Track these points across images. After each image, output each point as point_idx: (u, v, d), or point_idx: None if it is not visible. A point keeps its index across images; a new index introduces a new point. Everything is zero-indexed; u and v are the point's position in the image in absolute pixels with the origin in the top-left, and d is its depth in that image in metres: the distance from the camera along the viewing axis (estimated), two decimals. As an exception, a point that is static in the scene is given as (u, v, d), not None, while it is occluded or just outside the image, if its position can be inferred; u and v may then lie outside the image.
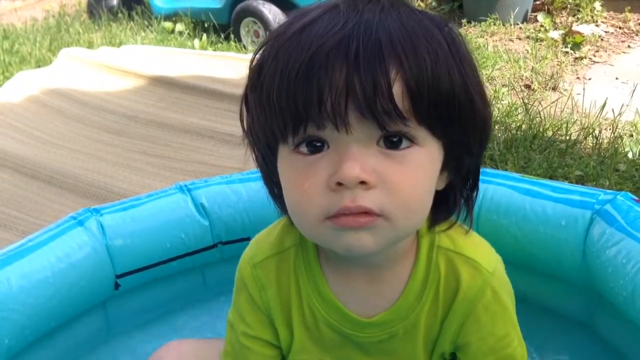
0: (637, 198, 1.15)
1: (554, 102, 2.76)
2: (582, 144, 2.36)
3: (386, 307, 0.87)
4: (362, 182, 0.71)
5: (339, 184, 0.71)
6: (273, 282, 0.90)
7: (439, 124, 0.73)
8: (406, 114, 0.70)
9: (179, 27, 4.47)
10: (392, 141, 0.72)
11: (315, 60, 0.69)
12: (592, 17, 4.05)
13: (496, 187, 1.24)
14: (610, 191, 1.17)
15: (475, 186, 0.86)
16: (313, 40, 0.70)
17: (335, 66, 0.69)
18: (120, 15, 4.80)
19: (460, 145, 0.78)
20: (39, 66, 3.78)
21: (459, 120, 0.75)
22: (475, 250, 0.86)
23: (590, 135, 2.40)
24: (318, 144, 0.73)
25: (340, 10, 0.73)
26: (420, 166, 0.74)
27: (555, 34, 3.77)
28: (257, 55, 0.78)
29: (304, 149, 0.74)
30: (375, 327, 0.88)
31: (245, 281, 0.92)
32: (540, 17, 4.02)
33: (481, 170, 1.30)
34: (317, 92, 0.69)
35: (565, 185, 1.24)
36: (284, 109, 0.72)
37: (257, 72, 0.77)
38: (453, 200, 0.84)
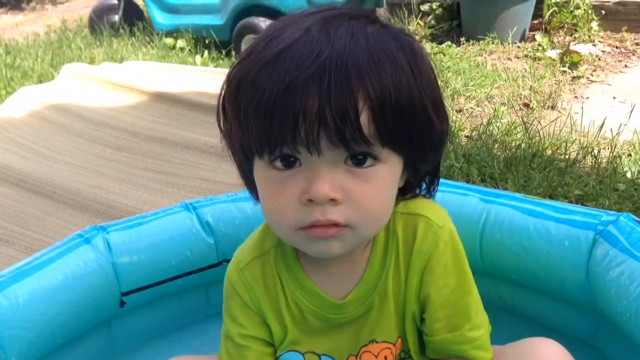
0: (639, 219, 1.16)
1: (552, 121, 2.78)
2: (581, 163, 2.37)
3: (357, 281, 0.95)
4: (331, 199, 0.79)
5: (311, 200, 0.79)
6: (260, 282, 0.98)
7: (400, 144, 0.82)
8: (371, 138, 0.78)
9: (180, 43, 4.50)
10: (358, 159, 0.81)
11: (290, 90, 0.76)
12: (589, 36, 4.09)
13: (500, 207, 1.25)
14: (613, 212, 1.18)
15: (434, 178, 0.96)
16: (288, 70, 0.77)
17: (308, 97, 0.75)
18: (121, 31, 4.83)
19: (417, 157, 0.88)
20: (41, 81, 3.80)
21: (418, 139, 0.84)
22: (425, 209, 0.95)
23: (589, 155, 2.42)
24: (291, 159, 0.81)
25: (312, 35, 0.78)
26: (383, 181, 0.83)
27: (553, 53, 3.81)
28: (234, 69, 0.84)
29: (278, 163, 0.82)
30: (353, 304, 0.95)
31: (234, 287, 0.99)
32: (538, 36, 4.07)
33: (484, 190, 1.32)
34: (292, 121, 0.76)
35: (568, 205, 1.26)
36: (260, 132, 0.79)
37: (235, 88, 0.83)
38: (410, 191, 0.95)
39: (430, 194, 0.97)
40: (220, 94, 0.87)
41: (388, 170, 0.83)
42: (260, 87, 0.78)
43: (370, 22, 0.83)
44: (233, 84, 0.83)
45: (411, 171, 0.90)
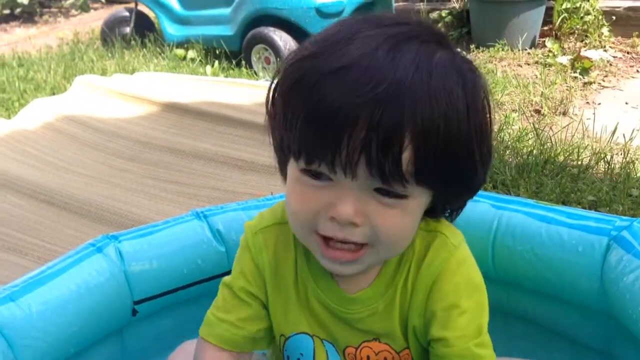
0: (653, 224, 1.15)
1: (564, 127, 2.77)
2: (594, 169, 2.36)
3: (367, 285, 0.95)
4: (352, 223, 0.81)
5: (333, 218, 0.81)
6: (271, 248, 0.99)
7: (435, 185, 0.83)
8: (408, 176, 0.78)
9: (191, 54, 4.53)
10: (389, 191, 0.80)
11: (342, 111, 0.76)
12: (600, 42, 4.08)
13: (511, 214, 1.24)
14: (627, 217, 1.17)
15: (459, 209, 0.96)
16: (347, 89, 0.76)
17: (358, 122, 0.75)
18: (133, 42, 4.87)
19: (449, 197, 0.89)
20: (54, 93, 3.84)
21: (456, 183, 0.84)
22: (444, 228, 0.95)
23: (602, 160, 2.41)
24: (323, 177, 0.82)
25: (378, 57, 0.77)
26: (409, 214, 0.84)
27: (564, 59, 3.79)
28: (294, 62, 0.83)
29: (311, 174, 0.82)
30: (358, 303, 0.95)
31: (248, 243, 1.01)
32: (549, 42, 4.06)
33: (496, 196, 1.31)
34: (336, 141, 0.76)
35: (581, 211, 1.25)
36: (302, 142, 0.79)
37: (290, 85, 0.81)
38: (434, 214, 0.93)
39: (452, 219, 0.97)
40: (274, 79, 0.86)
41: (416, 204, 0.84)
42: (315, 98, 0.77)
43: (441, 48, 0.81)
44: (288, 81, 0.82)
45: (439, 204, 0.90)
